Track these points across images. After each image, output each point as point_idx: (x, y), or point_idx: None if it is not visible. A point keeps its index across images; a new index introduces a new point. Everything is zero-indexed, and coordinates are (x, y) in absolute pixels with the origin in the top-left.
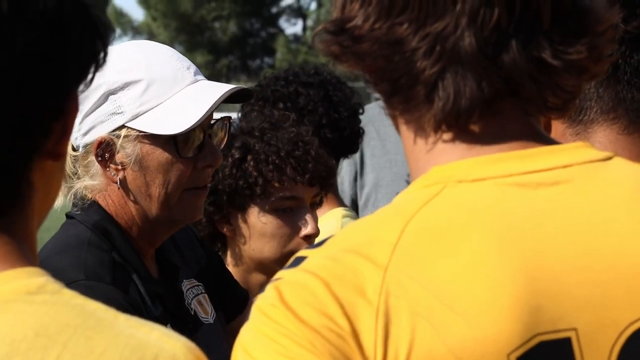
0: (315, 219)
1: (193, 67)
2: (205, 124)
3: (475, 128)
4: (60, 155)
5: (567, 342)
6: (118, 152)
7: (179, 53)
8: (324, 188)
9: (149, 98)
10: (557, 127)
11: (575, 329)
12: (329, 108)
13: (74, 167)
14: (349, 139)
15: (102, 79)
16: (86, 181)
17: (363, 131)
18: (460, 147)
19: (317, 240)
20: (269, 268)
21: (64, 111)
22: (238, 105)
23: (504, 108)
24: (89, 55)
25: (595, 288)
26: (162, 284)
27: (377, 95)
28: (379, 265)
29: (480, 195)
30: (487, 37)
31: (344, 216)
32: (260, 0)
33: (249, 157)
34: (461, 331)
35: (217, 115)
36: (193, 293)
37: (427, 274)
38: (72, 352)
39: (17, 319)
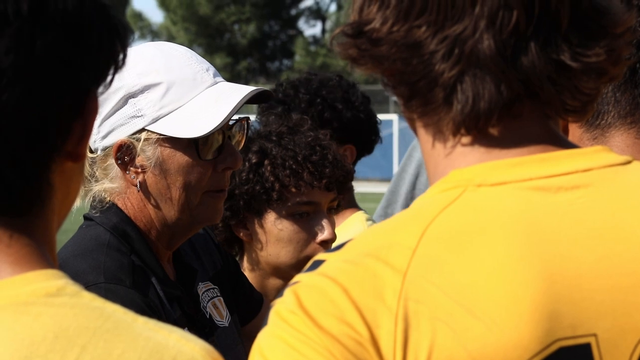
0: (333, 224)
1: (212, 69)
2: (224, 126)
3: (494, 131)
4: (80, 156)
5: (587, 347)
6: (138, 156)
7: (197, 55)
8: (341, 193)
9: (169, 101)
10: (575, 132)
11: (595, 335)
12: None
13: (92, 169)
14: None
15: (121, 82)
16: (105, 184)
17: (378, 129)
18: (479, 151)
19: (335, 244)
20: (285, 273)
21: (84, 112)
22: (254, 107)
23: (523, 111)
24: (108, 56)
25: (616, 293)
26: (180, 287)
27: (394, 98)
28: (398, 270)
29: (500, 200)
30: (506, 40)
31: (367, 219)
32: (280, 2)
33: (266, 162)
34: (482, 336)
35: (234, 117)
36: (208, 296)
37: (447, 278)
38: (91, 354)
39: (36, 321)
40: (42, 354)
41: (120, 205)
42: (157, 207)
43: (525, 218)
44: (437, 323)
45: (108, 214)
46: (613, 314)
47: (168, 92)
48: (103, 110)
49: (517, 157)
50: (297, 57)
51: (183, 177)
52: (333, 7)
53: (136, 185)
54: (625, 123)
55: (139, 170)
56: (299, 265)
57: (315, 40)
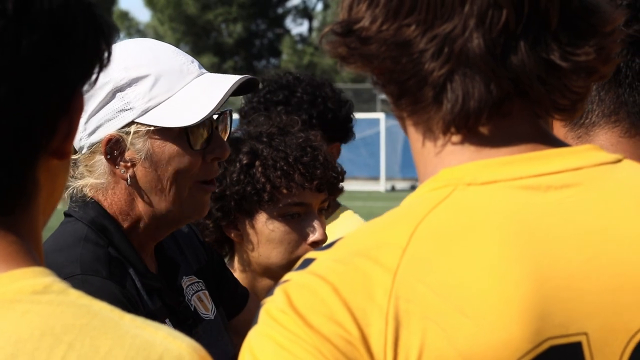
0: (323, 226)
1: (196, 62)
2: (211, 118)
3: (484, 130)
4: (65, 154)
5: (577, 346)
6: (128, 149)
7: (180, 50)
8: (332, 194)
9: (158, 92)
10: (559, 131)
11: (586, 334)
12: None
13: (73, 170)
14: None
15: (108, 77)
16: (89, 180)
17: (353, 119)
18: (469, 150)
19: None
20: (276, 274)
21: (69, 110)
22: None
23: (513, 110)
24: (93, 55)
25: (606, 293)
26: (160, 279)
27: (381, 97)
28: (388, 269)
29: (490, 199)
30: (496, 39)
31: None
32: (267, 1)
33: (257, 163)
34: (472, 335)
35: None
36: (193, 289)
37: (437, 277)
38: (77, 352)
39: (23, 318)
40: (28, 351)
41: (101, 200)
42: (147, 200)
43: (515, 217)
44: (428, 322)
45: (86, 209)
46: (604, 313)
47: (156, 84)
48: (89, 107)
49: (507, 155)
50: (284, 56)
51: (174, 167)
52: (320, 6)
53: (126, 180)
54: (609, 122)
55: (129, 164)
56: (289, 266)
57: (302, 39)
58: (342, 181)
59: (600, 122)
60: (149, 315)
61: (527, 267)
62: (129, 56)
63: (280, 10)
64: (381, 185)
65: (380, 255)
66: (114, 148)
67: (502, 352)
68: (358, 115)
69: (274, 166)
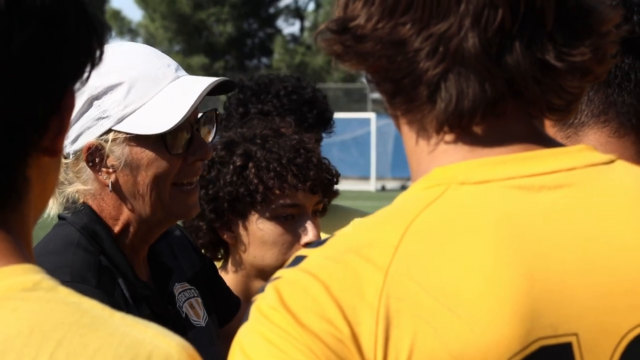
0: (317, 227)
1: (174, 64)
2: (191, 119)
3: (477, 130)
4: (56, 152)
5: (568, 347)
6: (108, 156)
7: (157, 51)
8: (327, 196)
9: (133, 99)
10: (548, 131)
11: (576, 334)
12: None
13: (65, 174)
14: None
15: (84, 86)
16: (78, 186)
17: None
18: (462, 149)
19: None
20: (270, 275)
21: (60, 107)
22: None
23: (507, 110)
24: (85, 52)
25: (597, 294)
26: (149, 287)
27: (377, 95)
28: (379, 267)
29: (483, 198)
30: (491, 38)
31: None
32: (259, 0)
33: (250, 165)
34: (463, 334)
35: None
36: (185, 296)
37: (428, 276)
38: (66, 349)
39: (12, 315)
40: (17, 348)
41: (93, 205)
42: (130, 205)
43: (508, 217)
44: (419, 321)
45: (79, 214)
46: (594, 314)
47: (131, 91)
48: None
49: (501, 155)
50: (276, 55)
51: (152, 172)
52: (312, 6)
53: (108, 186)
54: (598, 122)
55: (110, 170)
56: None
57: (294, 38)
58: (337, 183)
59: (589, 122)
60: None
61: (519, 267)
62: (104, 63)
63: (272, 10)
64: (371, 185)
65: (371, 254)
66: (94, 155)
67: (493, 352)
68: (349, 115)
69: (267, 167)
